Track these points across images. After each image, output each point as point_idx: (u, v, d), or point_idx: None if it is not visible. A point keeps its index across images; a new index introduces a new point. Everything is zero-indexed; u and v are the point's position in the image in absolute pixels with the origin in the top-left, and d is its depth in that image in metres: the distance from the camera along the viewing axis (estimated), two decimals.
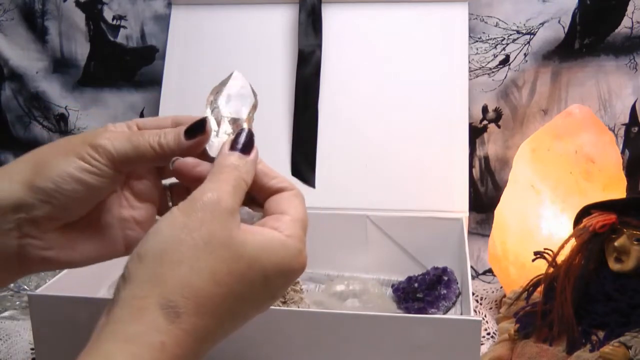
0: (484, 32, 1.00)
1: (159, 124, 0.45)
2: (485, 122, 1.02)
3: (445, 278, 0.82)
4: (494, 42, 1.00)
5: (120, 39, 1.09)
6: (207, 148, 0.44)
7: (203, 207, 0.37)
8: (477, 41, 1.00)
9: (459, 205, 0.88)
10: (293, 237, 0.39)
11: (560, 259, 0.73)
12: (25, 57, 1.12)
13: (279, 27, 0.98)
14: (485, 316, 0.83)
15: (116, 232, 0.46)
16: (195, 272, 0.35)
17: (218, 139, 0.44)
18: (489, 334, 0.80)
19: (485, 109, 1.02)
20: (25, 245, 0.42)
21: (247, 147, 0.42)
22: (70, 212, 0.43)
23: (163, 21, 1.06)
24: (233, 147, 0.41)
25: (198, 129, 0.43)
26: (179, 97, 0.98)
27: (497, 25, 0.99)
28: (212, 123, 0.44)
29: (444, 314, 0.80)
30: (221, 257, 0.36)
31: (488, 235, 0.91)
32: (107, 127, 0.44)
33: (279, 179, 0.43)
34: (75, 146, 0.42)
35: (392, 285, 0.86)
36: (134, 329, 0.34)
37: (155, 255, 0.36)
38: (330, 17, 0.97)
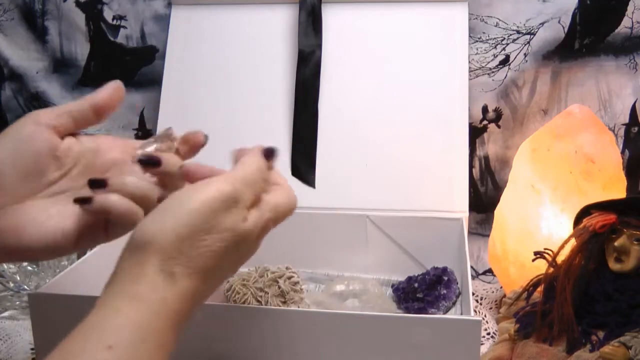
0: (484, 32, 1.00)
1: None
2: (485, 122, 1.02)
3: (445, 278, 0.82)
4: (494, 42, 1.00)
5: (120, 39, 1.09)
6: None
7: (217, 196, 0.42)
8: (477, 41, 1.00)
9: (459, 205, 0.88)
10: (269, 212, 0.45)
11: (560, 259, 0.73)
12: (25, 57, 1.12)
13: (279, 27, 0.98)
14: (485, 316, 0.83)
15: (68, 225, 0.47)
16: (196, 247, 0.41)
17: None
18: (489, 334, 0.80)
19: (485, 109, 1.02)
20: None
21: (271, 155, 0.47)
22: (12, 179, 0.45)
23: (163, 21, 1.06)
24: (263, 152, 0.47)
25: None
26: (179, 97, 0.98)
27: (497, 25, 0.99)
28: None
29: (444, 314, 0.80)
30: (221, 239, 0.41)
31: (488, 235, 0.91)
32: None
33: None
34: (17, 123, 0.46)
35: (392, 285, 0.86)
36: (137, 288, 0.39)
37: (160, 224, 0.41)
38: (330, 17, 0.97)
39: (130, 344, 0.36)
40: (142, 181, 0.46)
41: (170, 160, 0.48)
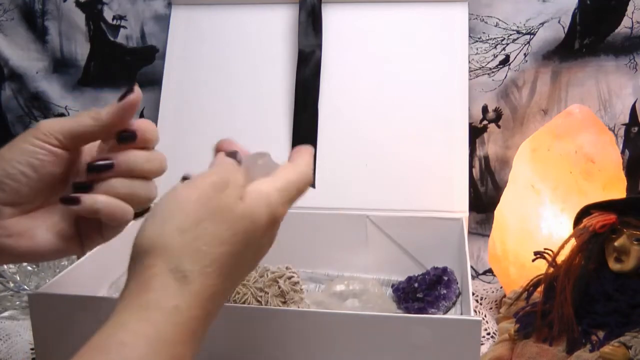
0: (484, 32, 1.00)
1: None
2: (485, 122, 1.02)
3: (445, 278, 0.82)
4: (494, 42, 1.00)
5: (120, 39, 1.09)
6: None
7: (206, 184, 0.40)
8: (477, 41, 1.00)
9: (459, 205, 0.88)
10: (275, 191, 0.42)
11: (560, 259, 0.73)
12: (25, 57, 1.12)
13: (279, 27, 0.98)
14: (485, 316, 0.83)
15: (72, 228, 0.48)
16: (200, 238, 0.38)
17: None
18: (489, 334, 0.80)
19: (485, 109, 1.02)
20: None
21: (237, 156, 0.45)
22: (23, 196, 0.45)
23: (163, 21, 1.06)
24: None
25: (128, 91, 0.46)
26: (179, 97, 0.98)
27: (497, 25, 0.99)
28: None
29: (444, 314, 0.80)
30: (223, 221, 0.39)
31: (488, 235, 0.91)
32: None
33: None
34: (24, 135, 0.45)
35: (392, 285, 0.86)
36: (146, 297, 0.35)
37: (159, 226, 0.38)
38: (330, 17, 0.97)
39: None
40: (127, 181, 0.46)
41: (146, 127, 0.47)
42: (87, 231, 0.48)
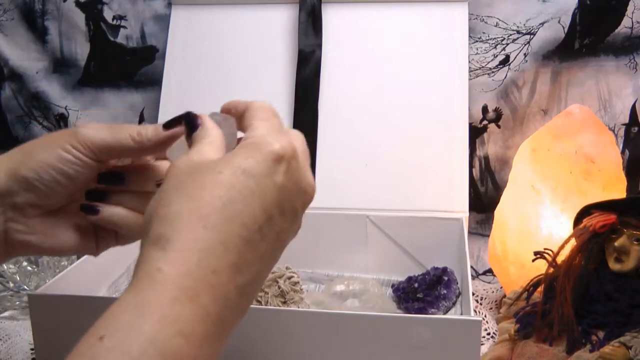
0: (484, 32, 1.00)
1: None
2: (485, 122, 1.02)
3: (445, 278, 0.82)
4: (494, 42, 1.00)
5: (120, 39, 1.09)
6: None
7: (170, 173, 0.39)
8: (477, 41, 1.00)
9: (459, 205, 0.88)
10: (255, 136, 0.42)
11: (560, 259, 0.73)
12: (25, 57, 1.12)
13: (279, 27, 0.98)
14: (485, 316, 0.83)
15: (91, 229, 0.49)
16: (173, 204, 0.36)
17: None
18: (489, 334, 0.80)
19: (485, 109, 1.02)
20: (8, 229, 0.45)
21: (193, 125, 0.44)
22: (51, 200, 0.46)
23: (163, 21, 1.06)
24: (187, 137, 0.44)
25: (176, 121, 0.45)
26: (179, 97, 0.98)
27: (497, 25, 0.99)
28: None
29: (444, 314, 0.80)
30: (191, 181, 0.37)
31: (488, 235, 0.91)
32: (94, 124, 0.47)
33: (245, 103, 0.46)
34: (60, 138, 0.45)
35: (392, 285, 0.86)
36: (135, 273, 0.35)
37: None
38: (330, 17, 0.97)
39: (121, 329, 0.32)
40: (138, 196, 0.47)
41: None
42: (103, 234, 0.49)
